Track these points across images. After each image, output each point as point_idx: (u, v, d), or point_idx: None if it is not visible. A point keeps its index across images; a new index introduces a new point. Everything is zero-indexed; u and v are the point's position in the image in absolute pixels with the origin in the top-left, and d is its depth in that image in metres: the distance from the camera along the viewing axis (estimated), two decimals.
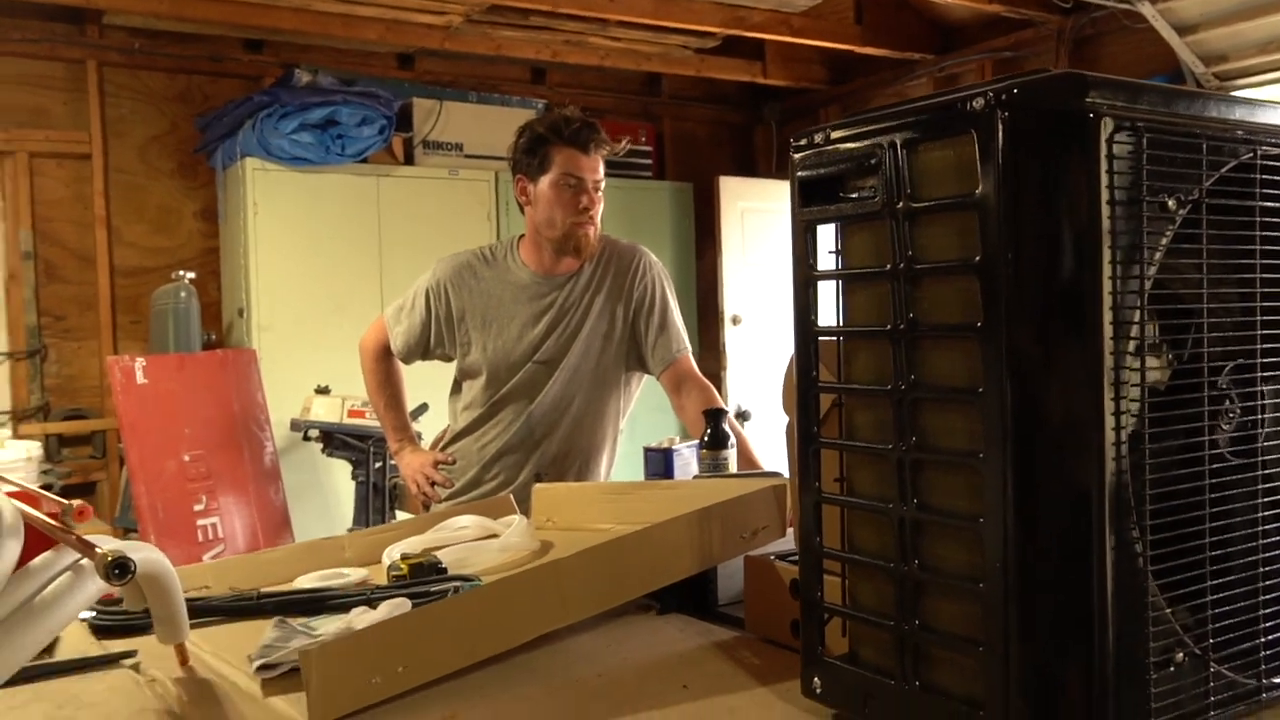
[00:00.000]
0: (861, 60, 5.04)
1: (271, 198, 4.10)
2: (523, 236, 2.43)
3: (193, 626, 1.48)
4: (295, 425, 3.51)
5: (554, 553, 1.66)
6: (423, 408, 3.73)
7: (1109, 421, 0.87)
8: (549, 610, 1.25)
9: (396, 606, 1.35)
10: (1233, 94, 0.94)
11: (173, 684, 1.23)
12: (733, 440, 2.08)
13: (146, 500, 3.23)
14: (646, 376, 2.49)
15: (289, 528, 3.55)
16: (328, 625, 1.39)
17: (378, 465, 3.43)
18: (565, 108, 2.39)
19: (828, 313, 1.08)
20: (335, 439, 3.44)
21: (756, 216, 5.22)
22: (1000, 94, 0.87)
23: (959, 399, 0.92)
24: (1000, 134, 0.86)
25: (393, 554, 1.67)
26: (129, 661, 1.34)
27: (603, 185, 2.33)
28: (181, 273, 3.83)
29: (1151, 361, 0.99)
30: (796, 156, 1.09)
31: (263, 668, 1.22)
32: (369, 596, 1.48)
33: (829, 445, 1.06)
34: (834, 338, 1.07)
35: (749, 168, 5.69)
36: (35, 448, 3.52)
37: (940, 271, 0.94)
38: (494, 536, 1.76)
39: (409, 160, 4.46)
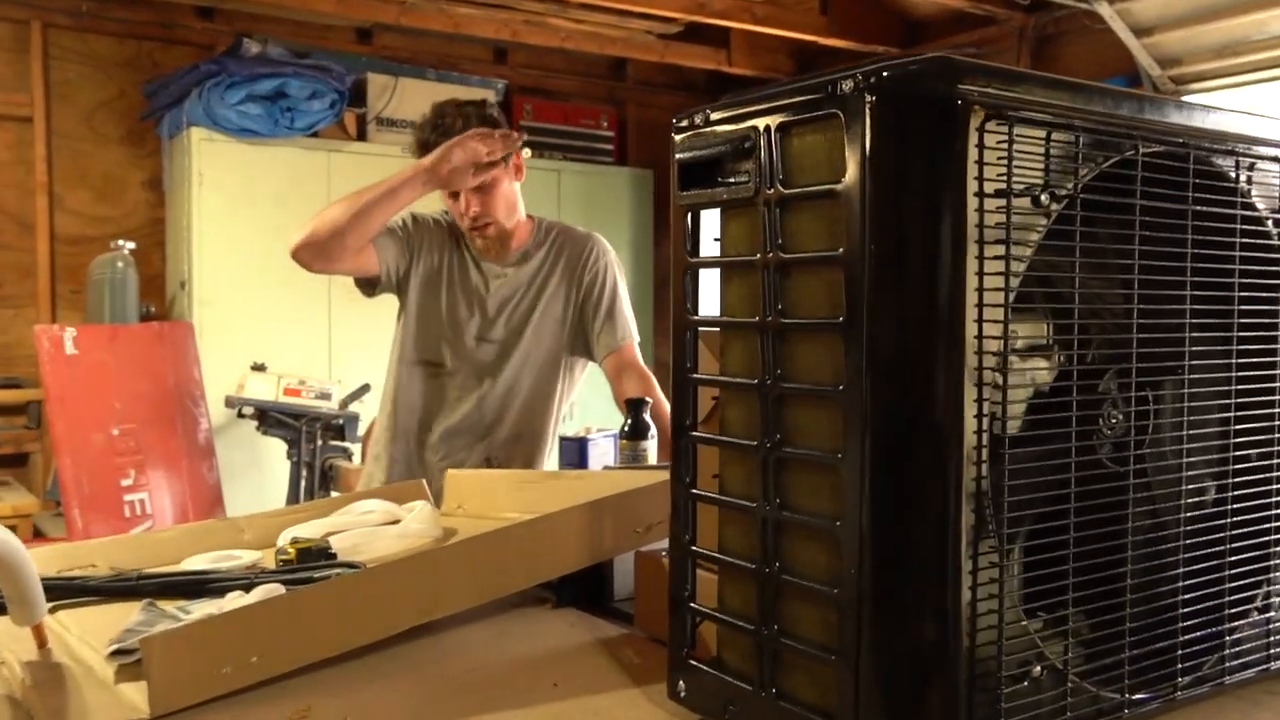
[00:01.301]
0: (827, 51, 4.99)
1: (217, 169, 4.02)
2: None
3: (66, 607, 1.44)
4: (230, 402, 3.45)
5: (453, 542, 1.61)
6: (363, 389, 3.68)
7: (970, 424, 0.83)
8: (421, 601, 1.21)
9: (268, 593, 1.30)
10: (1125, 89, 0.90)
11: (20, 667, 1.17)
12: (654, 431, 2.04)
13: (72, 473, 3.16)
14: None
15: (221, 506, 3.49)
16: (204, 610, 1.34)
17: (312, 445, 3.37)
18: (444, 104, 2.30)
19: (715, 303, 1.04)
20: (270, 417, 3.37)
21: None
22: (869, 77, 0.83)
23: (823, 395, 0.88)
24: (867, 119, 0.82)
25: (287, 537, 1.62)
26: None
27: (490, 176, 2.24)
28: (121, 242, 3.74)
29: (1040, 363, 0.96)
30: (677, 138, 1.05)
31: (117, 653, 1.17)
32: (250, 581, 1.43)
33: (700, 440, 1.02)
34: (716, 329, 1.03)
35: None
36: None
37: (807, 263, 0.90)
38: (398, 521, 1.72)
39: (362, 136, 4.39)
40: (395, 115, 4.42)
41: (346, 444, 3.48)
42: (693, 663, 1.03)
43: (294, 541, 1.53)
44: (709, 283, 1.04)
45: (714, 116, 0.99)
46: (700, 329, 1.02)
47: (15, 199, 4.19)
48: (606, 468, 1.86)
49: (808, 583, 0.89)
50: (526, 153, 2.37)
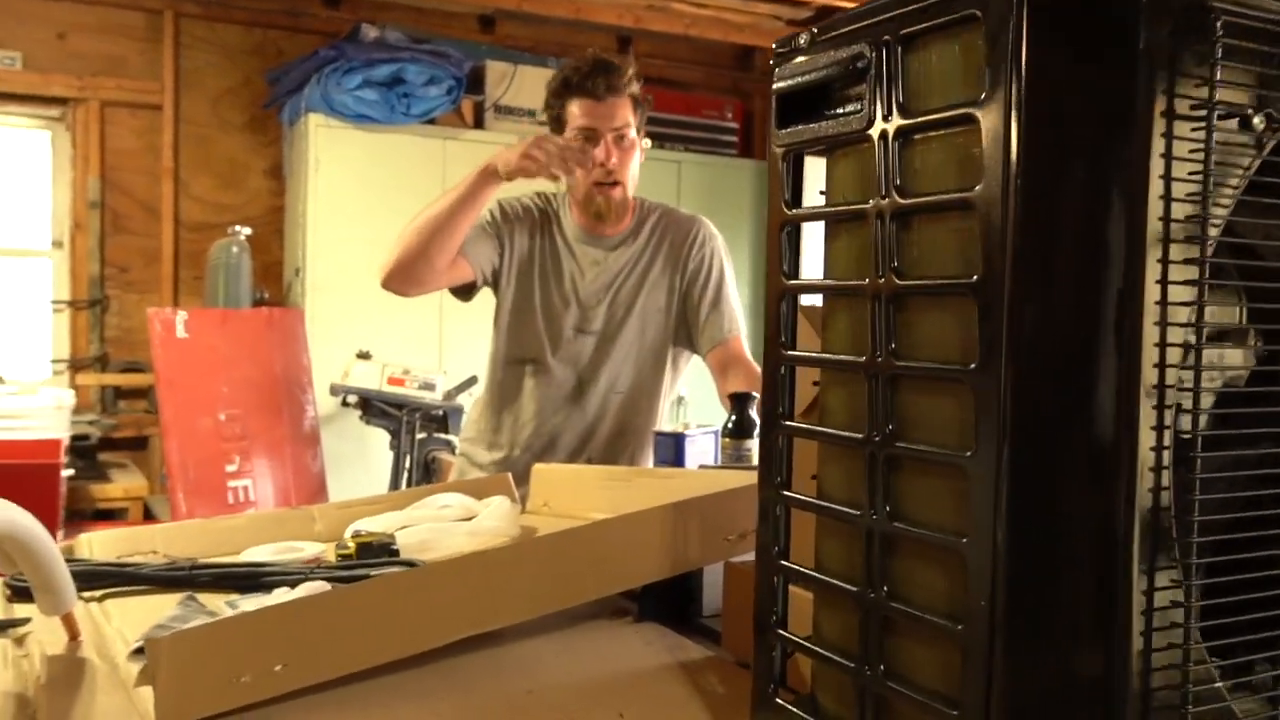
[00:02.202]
0: None
1: (334, 155, 3.99)
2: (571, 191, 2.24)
3: (115, 596, 1.34)
4: (334, 390, 3.39)
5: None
6: (471, 380, 3.59)
7: (1147, 419, 0.63)
8: (476, 608, 1.05)
9: (312, 591, 1.17)
10: None
11: (41, 662, 1.06)
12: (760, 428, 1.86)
13: (177, 458, 3.15)
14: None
15: (324, 495, 3.44)
16: (248, 606, 1.22)
17: (418, 436, 3.29)
18: (586, 53, 2.16)
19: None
20: (373, 406, 3.31)
21: None
22: None
23: (949, 377, 0.69)
24: (1018, 17, 0.63)
25: (355, 529, 1.50)
26: (18, 631, 1.18)
27: (630, 134, 2.10)
28: (238, 228, 3.74)
29: (1233, 353, 0.75)
30: (777, 69, 0.87)
31: (139, 652, 1.05)
32: (304, 575, 1.30)
33: (794, 431, 0.84)
34: (816, 297, 0.85)
35: None
36: (68, 396, 3.47)
37: (933, 208, 0.71)
38: (474, 519, 1.58)
39: (479, 124, 4.31)
40: (513, 103, 4.33)
41: (450, 436, 3.38)
42: (780, 702, 0.85)
43: (356, 535, 1.40)
44: (814, 245, 0.86)
45: (821, 36, 0.81)
46: (801, 297, 0.84)
47: (144, 185, 4.25)
48: (703, 467, 1.68)
49: (923, 614, 0.70)
50: (647, 142, 2.22)
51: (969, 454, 0.66)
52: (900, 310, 0.73)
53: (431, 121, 4.15)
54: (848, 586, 0.77)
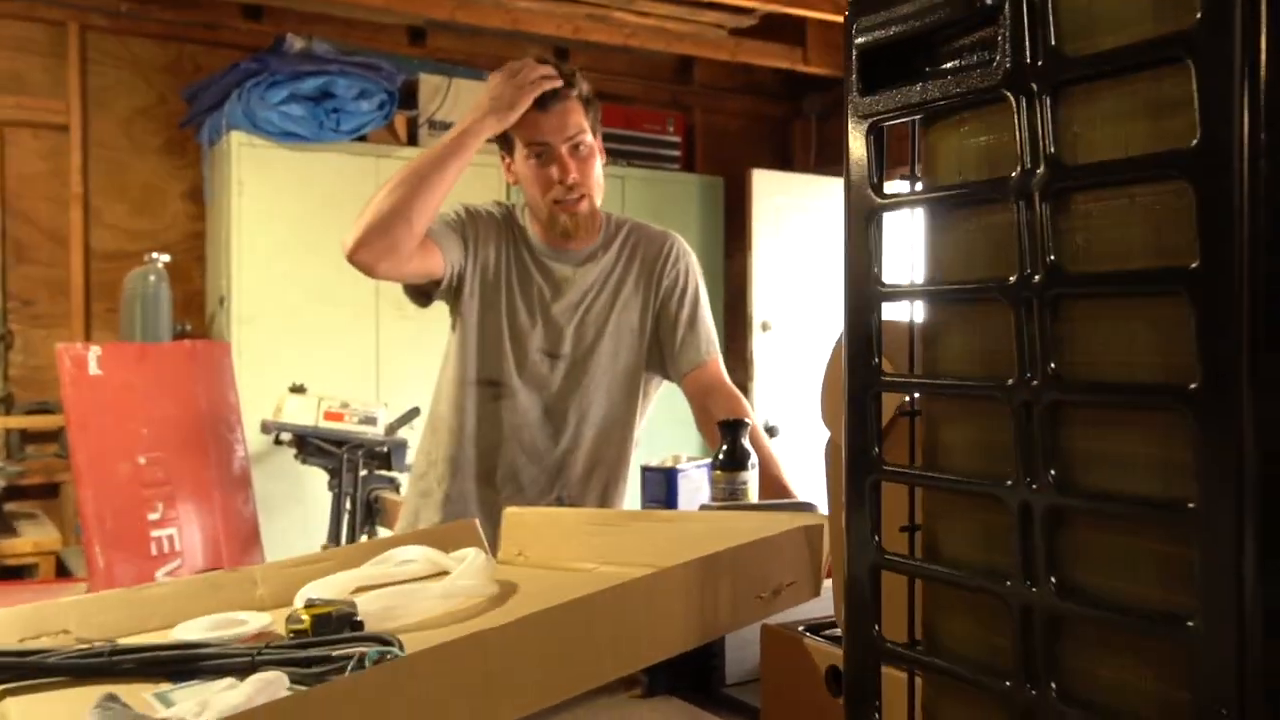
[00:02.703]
0: None
1: (258, 176, 3.74)
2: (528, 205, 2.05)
3: (18, 692, 1.11)
4: (265, 427, 3.14)
5: (512, 603, 1.26)
6: (413, 411, 3.36)
7: None
8: (471, 708, 0.85)
9: (266, 685, 0.95)
10: None
11: None
12: (754, 459, 1.68)
13: (93, 507, 2.87)
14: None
15: (258, 542, 3.18)
16: (189, 700, 1.00)
17: (354, 475, 3.05)
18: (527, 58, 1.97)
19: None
20: (309, 444, 3.06)
21: (793, 214, 4.80)
22: None
23: (1146, 403, 0.52)
24: None
25: (306, 596, 1.28)
26: None
27: (587, 139, 1.92)
28: (155, 255, 3.47)
29: None
30: (855, 21, 0.69)
31: None
32: (252, 657, 1.09)
33: (898, 477, 0.66)
34: (909, 308, 0.68)
35: (785, 165, 5.28)
36: None
37: (1114, 178, 0.53)
38: (445, 574, 1.37)
39: (413, 141, 4.09)
40: (449, 118, 4.12)
41: (393, 473, 3.15)
42: None
43: (309, 605, 1.19)
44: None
45: None
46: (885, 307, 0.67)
47: (49, 212, 3.95)
48: (705, 506, 1.49)
49: None
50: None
51: (1190, 505, 0.48)
52: (1060, 316, 0.56)
53: (363, 139, 3.92)
54: (994, 682, 0.58)
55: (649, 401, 2.11)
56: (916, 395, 0.68)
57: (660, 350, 2.04)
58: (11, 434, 3.80)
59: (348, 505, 3.09)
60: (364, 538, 3.21)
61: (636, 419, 2.06)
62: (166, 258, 3.49)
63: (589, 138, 1.92)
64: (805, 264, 4.81)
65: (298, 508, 3.66)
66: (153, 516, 2.97)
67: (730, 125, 5.34)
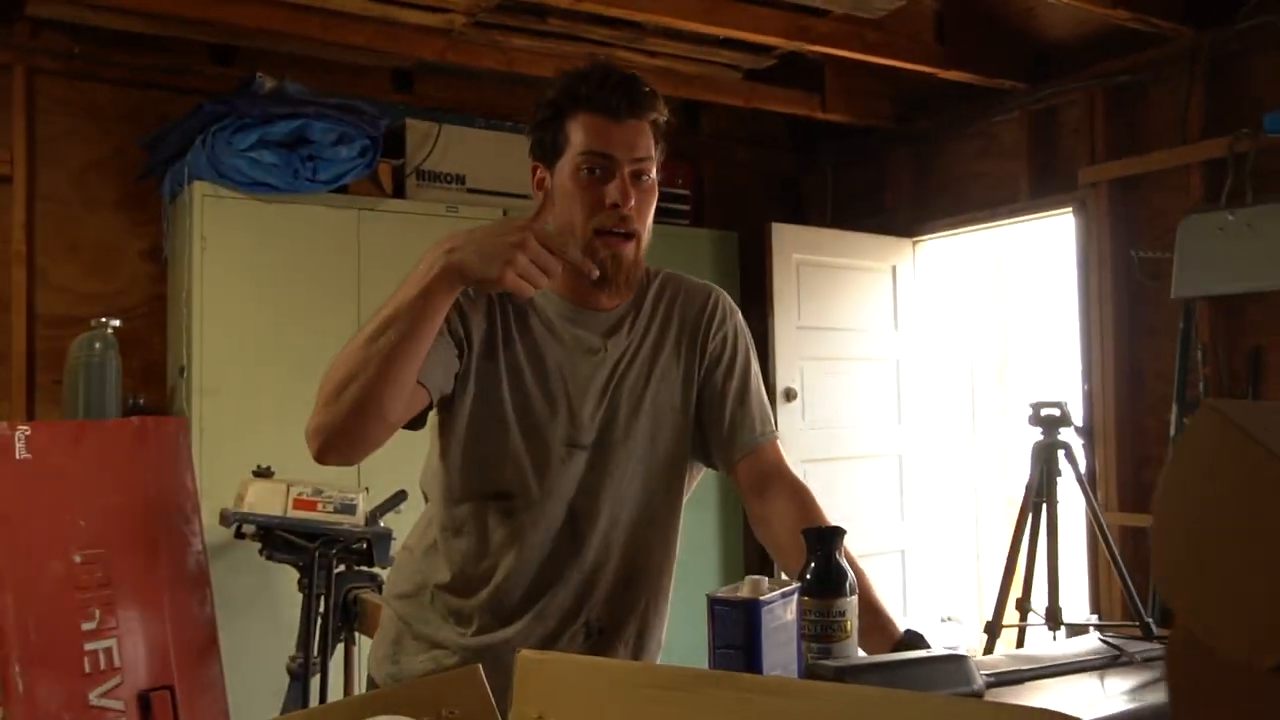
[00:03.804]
0: (936, 92, 4.28)
1: (223, 231, 3.32)
2: None
3: None
4: (225, 518, 2.68)
5: None
6: (400, 496, 2.92)
7: None
8: None
9: None
10: None
11: None
12: (853, 580, 1.25)
13: (14, 616, 2.40)
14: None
15: (215, 652, 2.71)
16: None
17: (326, 573, 2.60)
18: (594, 60, 1.57)
19: None
20: (275, 537, 2.61)
21: (814, 271, 4.42)
22: None
23: None
24: None
25: None
26: None
27: (652, 173, 1.51)
28: (104, 319, 3.04)
29: None
30: None
31: None
32: None
33: None
34: None
35: (798, 218, 4.90)
36: None
37: None
38: None
39: (399, 192, 3.69)
40: (438, 168, 3.73)
41: (375, 570, 2.70)
42: None
43: None
44: None
45: None
46: None
47: None
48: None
49: None
50: None
51: None
52: None
53: (343, 189, 3.51)
54: None
55: (688, 495, 1.69)
56: None
57: (704, 432, 1.62)
58: None
59: (320, 607, 2.63)
60: (340, 645, 2.75)
61: (679, 519, 1.63)
62: (116, 322, 3.06)
63: (654, 172, 1.52)
64: (828, 324, 4.42)
65: (266, 607, 3.19)
66: (88, 626, 2.50)
67: (739, 178, 4.98)
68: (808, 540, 1.26)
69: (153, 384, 3.63)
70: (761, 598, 1.12)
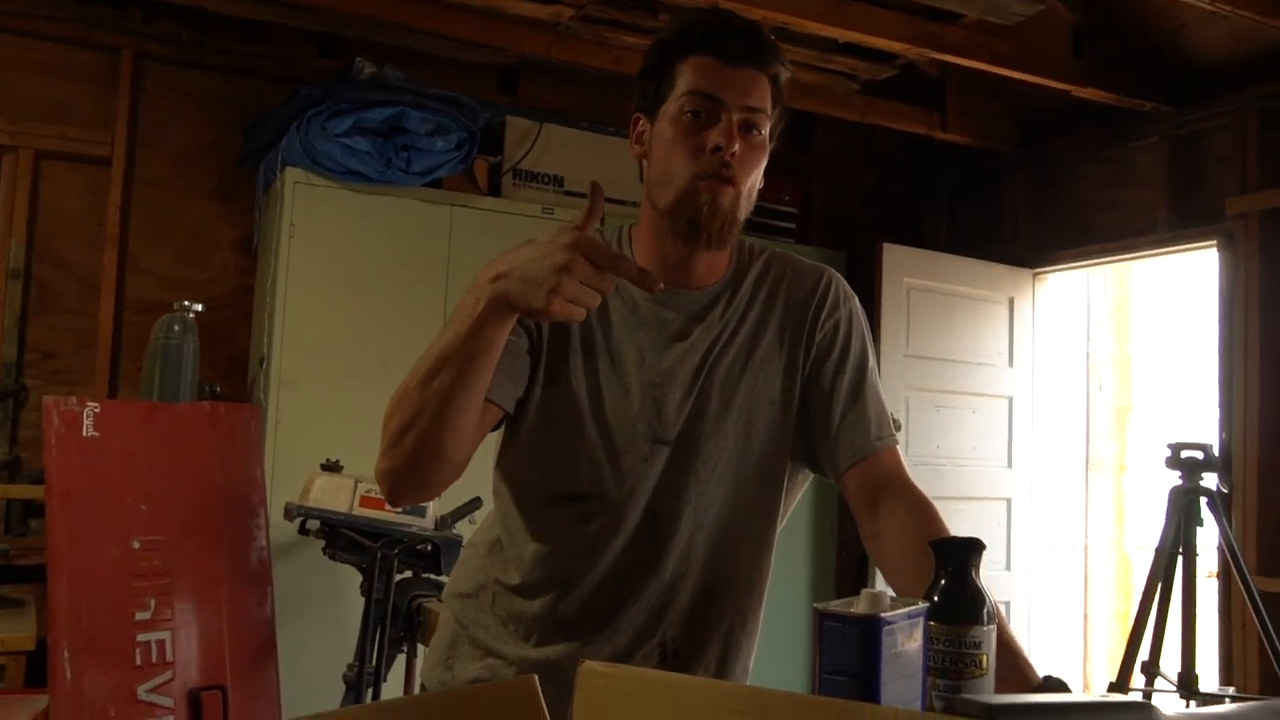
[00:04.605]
0: (1057, 116, 4.02)
1: (313, 219, 3.23)
2: (636, 225, 1.44)
3: None
4: (289, 512, 2.55)
5: None
6: (474, 503, 2.75)
7: None
8: None
9: None
10: None
11: None
12: (991, 605, 1.03)
13: (67, 598, 2.29)
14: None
15: (273, 655, 2.56)
16: None
17: (387, 578, 2.44)
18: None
19: None
20: (340, 535, 2.47)
21: (925, 297, 4.16)
22: None
23: None
24: None
25: None
26: None
27: (765, 129, 1.33)
28: (186, 303, 2.96)
29: None
30: None
31: None
32: None
33: None
34: None
35: (913, 242, 4.66)
36: None
37: None
38: None
39: (494, 190, 3.57)
40: (537, 168, 3.60)
41: (442, 578, 2.53)
42: None
43: None
44: None
45: None
46: None
47: (82, 254, 3.50)
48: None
49: None
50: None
51: None
52: None
53: (436, 184, 3.40)
54: None
55: (792, 502, 1.48)
56: None
57: (809, 432, 1.41)
58: (13, 504, 3.29)
59: (381, 613, 2.47)
60: (401, 656, 2.59)
61: (776, 528, 1.42)
62: (198, 306, 2.97)
63: (766, 129, 1.33)
64: (937, 353, 4.16)
65: (330, 609, 3.06)
66: (141, 616, 2.37)
67: (849, 201, 4.75)
68: (937, 553, 1.04)
69: (234, 376, 3.56)
70: (884, 614, 0.90)
